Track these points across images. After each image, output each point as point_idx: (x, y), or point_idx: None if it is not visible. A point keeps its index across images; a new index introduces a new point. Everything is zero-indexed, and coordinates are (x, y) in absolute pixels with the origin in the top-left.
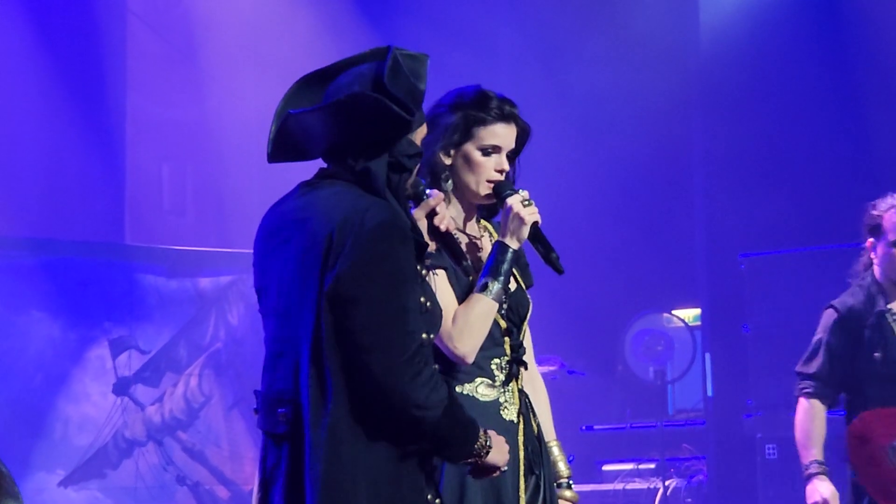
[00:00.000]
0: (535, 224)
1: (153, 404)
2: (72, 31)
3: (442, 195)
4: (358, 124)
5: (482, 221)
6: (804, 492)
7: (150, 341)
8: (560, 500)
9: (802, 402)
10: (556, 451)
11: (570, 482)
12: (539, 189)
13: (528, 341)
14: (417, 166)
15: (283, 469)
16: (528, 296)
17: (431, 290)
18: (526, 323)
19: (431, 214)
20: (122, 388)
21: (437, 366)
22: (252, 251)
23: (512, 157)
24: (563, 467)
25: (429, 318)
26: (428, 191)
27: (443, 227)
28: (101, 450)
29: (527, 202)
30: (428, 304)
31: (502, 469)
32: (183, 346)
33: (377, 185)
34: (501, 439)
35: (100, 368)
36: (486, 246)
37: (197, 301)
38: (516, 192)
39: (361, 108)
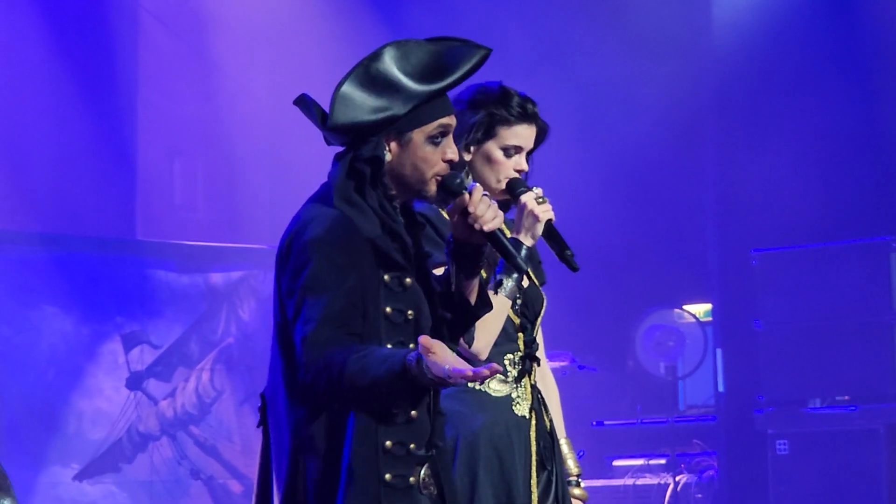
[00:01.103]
0: (549, 221)
1: (166, 399)
2: (83, 27)
3: (481, 189)
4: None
5: None
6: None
7: (161, 336)
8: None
9: None
10: (565, 448)
11: (580, 480)
12: (550, 184)
13: (539, 338)
14: (382, 169)
15: (259, 461)
16: (542, 292)
17: (415, 298)
18: (540, 319)
19: (465, 213)
20: (135, 382)
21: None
22: (262, 246)
23: (527, 154)
24: (572, 465)
25: (405, 328)
26: (469, 185)
27: (477, 226)
28: (115, 444)
29: (541, 199)
30: (409, 313)
31: (447, 371)
32: (195, 341)
33: (330, 194)
34: (433, 355)
35: (112, 363)
36: None
37: (208, 296)
38: (530, 189)
39: (307, 114)
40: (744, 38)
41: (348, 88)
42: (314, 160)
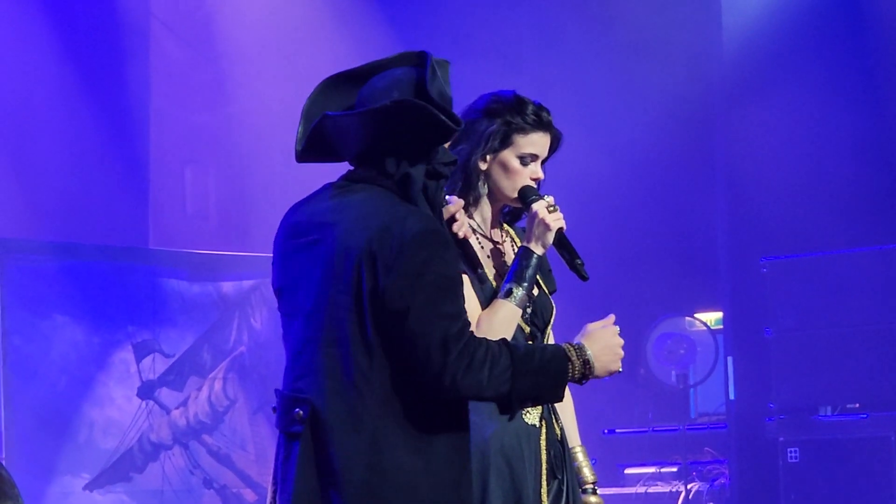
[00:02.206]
0: (560, 230)
1: (178, 408)
2: (96, 35)
3: (461, 202)
4: (401, 131)
5: (504, 226)
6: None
7: (173, 345)
8: None
9: None
10: (580, 456)
11: (596, 487)
12: (561, 193)
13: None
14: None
15: (295, 468)
16: (552, 301)
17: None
18: (550, 328)
19: (450, 221)
20: (146, 391)
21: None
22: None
23: (542, 163)
24: (588, 472)
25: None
26: (448, 197)
27: (461, 234)
28: (126, 453)
29: (552, 208)
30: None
31: (615, 367)
32: (206, 350)
33: (413, 193)
34: (601, 333)
35: (124, 372)
36: (509, 251)
37: (220, 305)
38: (542, 197)
39: (407, 115)
40: (754, 44)
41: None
42: (326, 168)
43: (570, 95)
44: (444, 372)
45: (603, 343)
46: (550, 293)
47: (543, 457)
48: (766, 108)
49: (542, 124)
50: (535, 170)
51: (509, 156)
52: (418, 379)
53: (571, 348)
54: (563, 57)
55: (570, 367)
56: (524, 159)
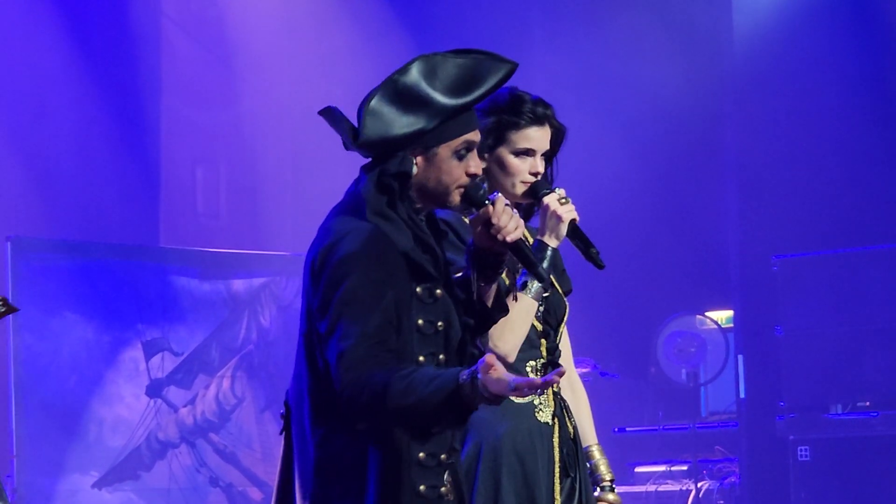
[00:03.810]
0: (572, 221)
1: (186, 406)
2: (107, 35)
3: (503, 199)
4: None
5: None
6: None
7: (182, 343)
8: None
9: None
10: (597, 454)
11: (613, 485)
12: (571, 189)
13: (565, 345)
14: (409, 183)
15: (280, 465)
16: (565, 300)
17: (445, 308)
18: (563, 326)
19: (488, 224)
20: (155, 389)
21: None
22: (284, 253)
23: (549, 157)
24: (604, 470)
25: (436, 339)
26: (491, 195)
27: (500, 237)
28: (134, 451)
29: (563, 200)
30: (439, 324)
31: (509, 388)
32: (215, 348)
33: (363, 208)
34: (494, 371)
35: (133, 370)
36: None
37: (230, 303)
38: (553, 190)
39: (333, 126)
40: (764, 42)
41: (377, 103)
42: (337, 167)
43: (581, 93)
44: (342, 391)
45: (498, 382)
46: (566, 293)
47: (556, 455)
48: (777, 106)
49: (536, 118)
50: (535, 164)
51: (504, 152)
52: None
53: (466, 385)
54: (574, 54)
55: (463, 396)
56: (520, 154)
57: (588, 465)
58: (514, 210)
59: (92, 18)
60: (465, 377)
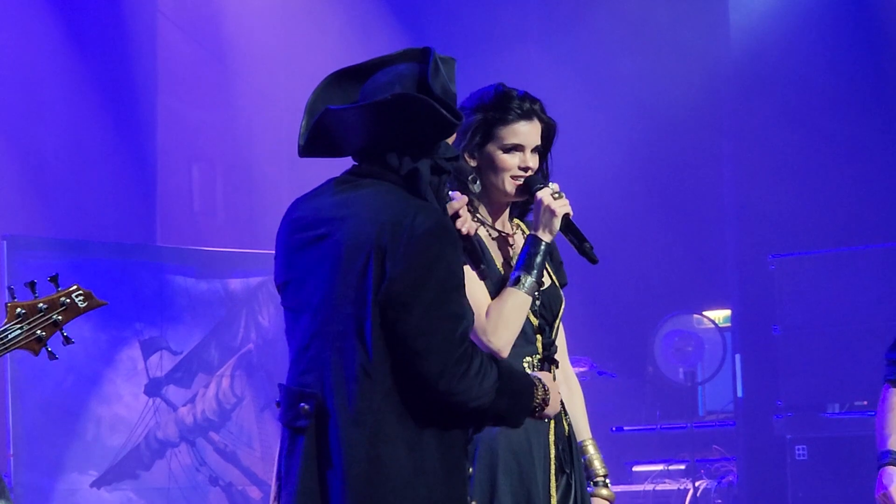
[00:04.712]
0: (566, 216)
1: (185, 405)
2: (103, 32)
3: (465, 199)
4: (402, 125)
5: (515, 220)
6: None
7: (181, 342)
8: (596, 499)
9: (886, 390)
10: (591, 449)
11: (607, 480)
12: (569, 189)
13: (561, 340)
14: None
15: (300, 462)
16: (562, 293)
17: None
18: (559, 321)
19: (454, 217)
20: (154, 389)
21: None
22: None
23: (543, 153)
24: (598, 466)
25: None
26: (451, 193)
27: (464, 231)
28: (133, 450)
29: (557, 195)
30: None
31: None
32: (214, 347)
33: (422, 188)
34: (555, 386)
35: (131, 369)
36: (519, 243)
37: (227, 302)
38: (547, 185)
39: (408, 109)
40: (761, 41)
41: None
42: (333, 165)
43: (579, 92)
44: (443, 374)
45: (554, 403)
46: (561, 286)
47: (552, 452)
48: (773, 105)
49: (524, 113)
50: (525, 159)
51: (493, 149)
52: (415, 376)
53: (539, 382)
54: (571, 54)
55: (535, 398)
56: (508, 150)
57: (582, 460)
58: (507, 202)
59: (87, 16)
60: (536, 378)
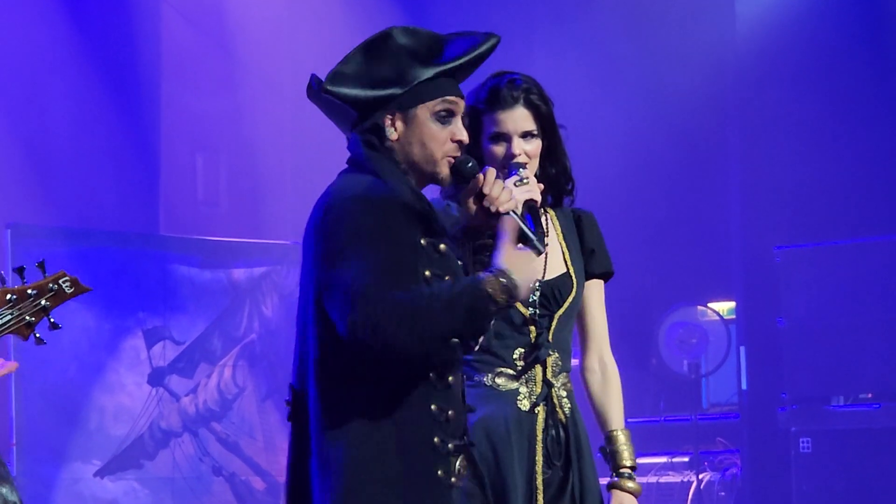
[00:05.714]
0: (530, 202)
1: (188, 395)
2: (107, 21)
3: (493, 171)
4: (328, 112)
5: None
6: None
7: (184, 332)
8: (616, 491)
9: None
10: (620, 438)
11: (633, 473)
12: (574, 180)
13: (597, 328)
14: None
15: (288, 458)
16: (574, 282)
17: (451, 263)
18: (563, 310)
19: (480, 196)
20: (157, 378)
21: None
22: (285, 242)
23: (547, 137)
24: (626, 457)
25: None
26: (482, 168)
27: (493, 208)
28: (137, 440)
29: (519, 182)
30: (447, 278)
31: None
32: (217, 337)
33: (368, 166)
34: (515, 256)
35: (134, 359)
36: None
37: (231, 292)
38: (519, 170)
39: (313, 98)
40: (768, 34)
41: (352, 64)
42: (338, 156)
43: (584, 87)
44: (358, 323)
45: (522, 267)
46: (596, 276)
47: (539, 445)
48: (779, 97)
49: (499, 102)
50: (514, 146)
51: (482, 140)
52: (342, 334)
53: (491, 280)
54: (576, 49)
55: (496, 298)
56: (495, 139)
57: (607, 450)
58: (505, 183)
59: (91, 4)
60: (484, 275)
